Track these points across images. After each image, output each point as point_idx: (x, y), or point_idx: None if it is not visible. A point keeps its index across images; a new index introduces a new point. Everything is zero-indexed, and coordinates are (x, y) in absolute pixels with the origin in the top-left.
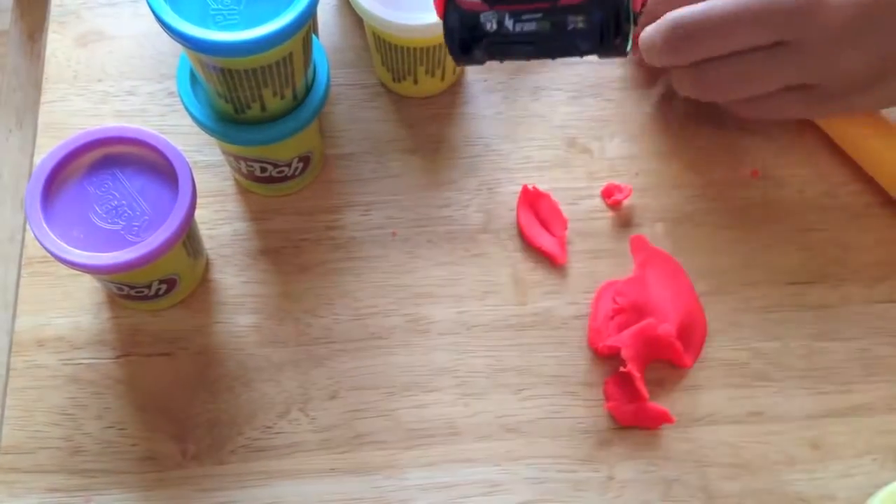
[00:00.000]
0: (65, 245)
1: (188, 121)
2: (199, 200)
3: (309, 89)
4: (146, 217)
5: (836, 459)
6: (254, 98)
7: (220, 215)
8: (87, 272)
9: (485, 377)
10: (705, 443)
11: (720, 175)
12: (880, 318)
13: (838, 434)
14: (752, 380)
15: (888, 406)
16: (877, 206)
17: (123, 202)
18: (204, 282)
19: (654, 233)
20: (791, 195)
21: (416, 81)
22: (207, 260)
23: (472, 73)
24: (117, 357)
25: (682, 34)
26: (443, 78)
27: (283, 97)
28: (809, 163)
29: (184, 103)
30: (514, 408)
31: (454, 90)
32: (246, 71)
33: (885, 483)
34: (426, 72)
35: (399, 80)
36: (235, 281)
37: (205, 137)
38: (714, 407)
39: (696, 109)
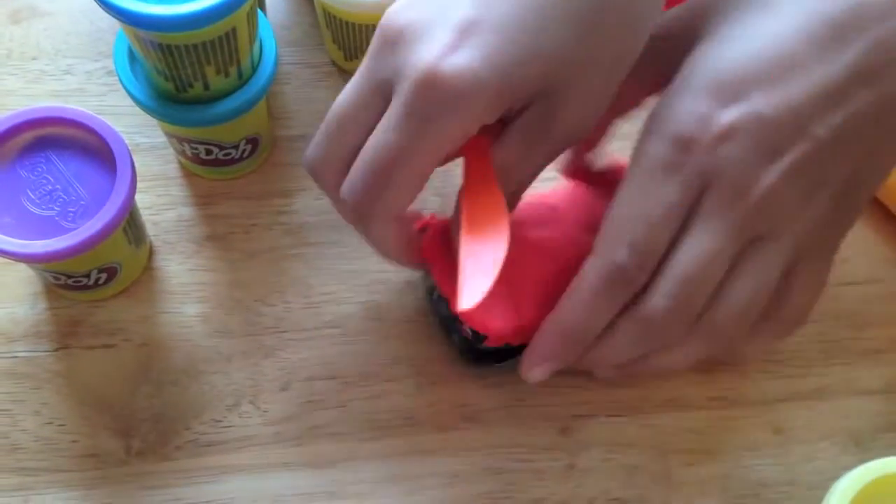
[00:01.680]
0: None
1: (128, 101)
2: (141, 185)
3: (255, 67)
4: (83, 202)
5: (798, 444)
6: (196, 76)
7: (163, 200)
8: (20, 261)
9: (444, 366)
10: (667, 429)
11: None
12: (837, 300)
13: (800, 418)
14: (713, 365)
15: (847, 389)
16: None
17: (58, 187)
18: (147, 270)
19: None
20: None
21: None
22: (151, 247)
23: None
24: (56, 350)
25: (570, 343)
26: None
27: (227, 75)
28: None
29: (122, 82)
30: (474, 396)
31: None
32: (186, 47)
33: (846, 467)
34: None
35: (351, 59)
36: (181, 269)
37: (146, 119)
38: (676, 392)
39: None
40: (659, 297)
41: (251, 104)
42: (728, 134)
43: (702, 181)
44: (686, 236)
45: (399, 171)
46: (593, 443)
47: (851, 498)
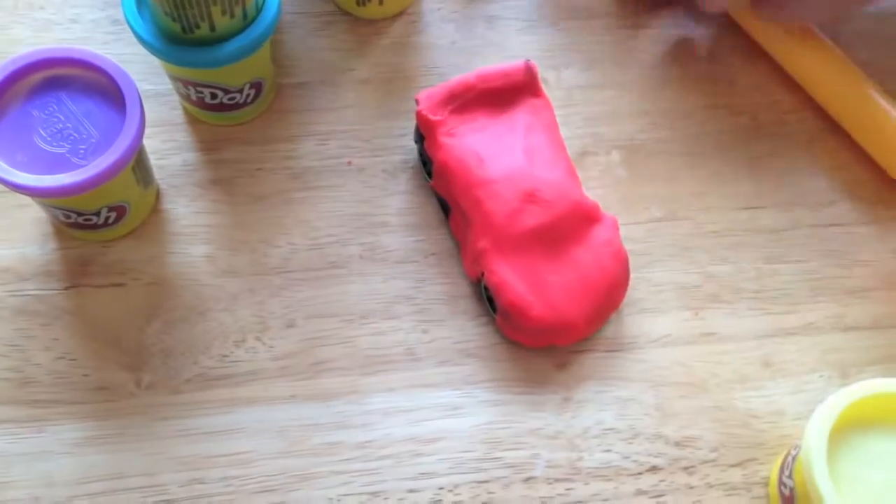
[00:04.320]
0: (8, 167)
1: (134, 48)
2: (147, 130)
3: (260, 9)
4: (93, 140)
5: (786, 377)
6: (202, 17)
7: (168, 145)
8: (33, 195)
9: (443, 303)
10: (659, 363)
11: (675, 104)
12: (827, 240)
13: (788, 352)
14: (704, 302)
15: (834, 325)
16: (826, 132)
17: (69, 125)
18: (155, 212)
19: (609, 160)
20: (744, 122)
21: (381, 2)
22: (158, 190)
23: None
24: (66, 288)
25: None
26: None
27: (232, 16)
28: (759, 91)
29: (129, 24)
30: (472, 333)
31: (409, 19)
32: None
33: None
34: None
35: (363, 4)
36: (187, 211)
37: (152, 65)
38: (668, 329)
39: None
40: None
41: (256, 45)
42: None
43: None
44: None
45: None
46: (588, 377)
47: (836, 417)
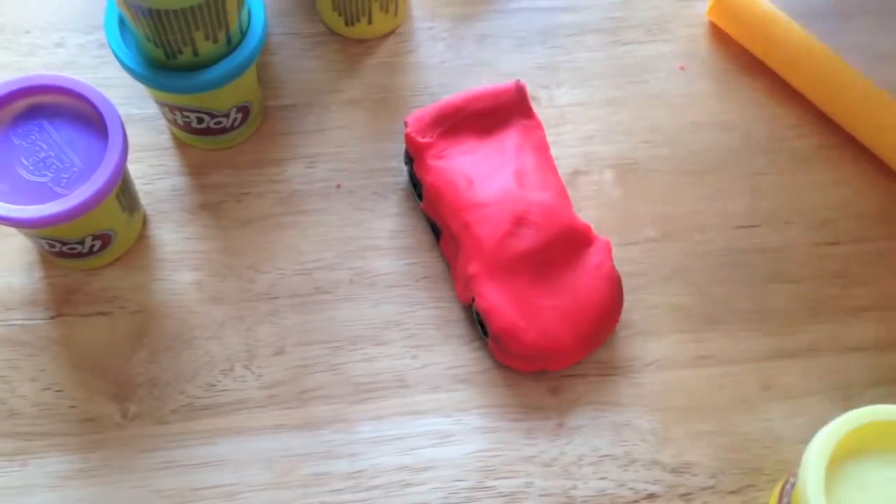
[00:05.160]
0: None
1: (121, 73)
2: (134, 155)
3: (244, 33)
4: (75, 169)
5: (785, 400)
6: (185, 42)
7: (156, 170)
8: (15, 226)
9: (434, 328)
10: (655, 387)
11: (669, 121)
12: (824, 258)
13: (787, 375)
14: (700, 324)
15: (833, 346)
16: (823, 148)
17: (51, 154)
18: (141, 238)
19: (602, 179)
20: (739, 139)
21: (370, 21)
22: (145, 216)
23: (418, 18)
24: (52, 317)
25: None
26: (396, 13)
27: (216, 41)
28: (757, 106)
29: (113, 50)
30: (463, 359)
31: (399, 38)
32: (175, 12)
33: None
34: (381, 8)
35: (352, 24)
36: (175, 237)
37: (139, 90)
38: (663, 352)
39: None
40: None
41: (241, 70)
42: None
43: None
44: None
45: None
46: (582, 402)
47: (833, 445)
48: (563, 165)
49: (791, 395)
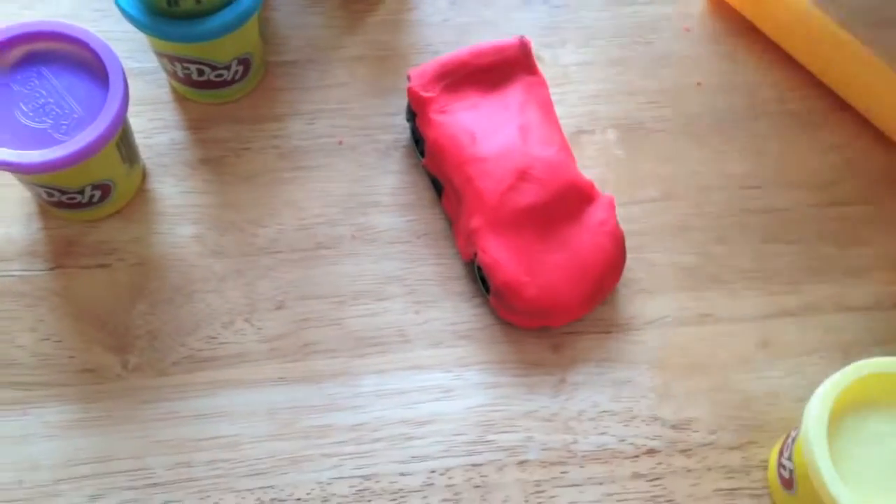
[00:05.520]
0: None
1: (122, 26)
2: (133, 109)
3: None
4: (75, 115)
5: (785, 358)
6: None
7: (155, 124)
8: (15, 172)
9: (435, 284)
10: (656, 345)
11: (673, 83)
12: (827, 220)
13: (788, 333)
14: (702, 282)
15: (834, 305)
16: (828, 111)
17: (51, 100)
18: (141, 192)
19: (605, 139)
20: (742, 101)
21: None
22: (144, 169)
23: None
24: (51, 269)
25: None
26: None
27: None
28: (761, 69)
29: None
30: (465, 315)
31: None
32: None
33: None
34: None
35: None
36: (175, 191)
37: (139, 43)
38: (665, 310)
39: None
40: None
41: (243, 19)
42: None
43: None
44: None
45: None
46: (584, 358)
47: (835, 398)
48: (567, 125)
49: (791, 353)
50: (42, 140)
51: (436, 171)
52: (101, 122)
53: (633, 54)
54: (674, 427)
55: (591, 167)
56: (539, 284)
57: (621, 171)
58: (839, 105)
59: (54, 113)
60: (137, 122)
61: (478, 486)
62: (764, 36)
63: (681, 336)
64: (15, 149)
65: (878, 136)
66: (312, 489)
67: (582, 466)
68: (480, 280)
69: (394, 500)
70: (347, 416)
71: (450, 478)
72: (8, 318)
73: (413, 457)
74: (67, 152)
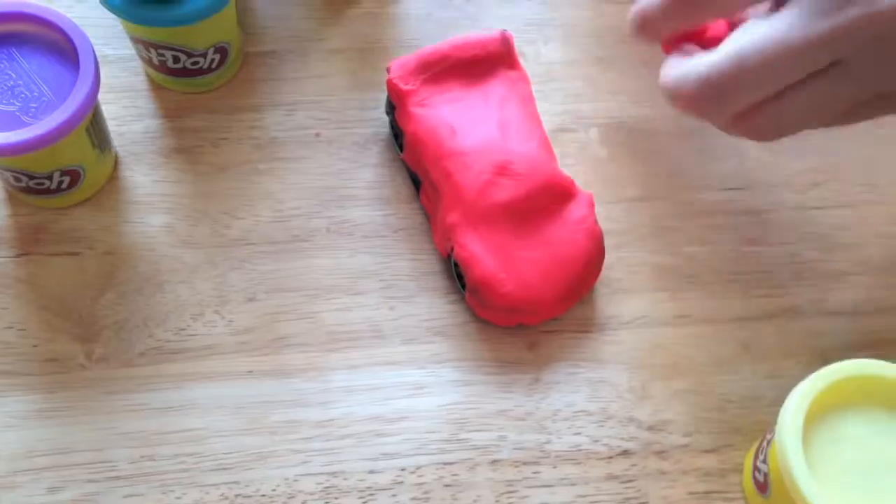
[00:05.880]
0: None
1: (97, 11)
2: (107, 96)
3: None
4: (45, 99)
5: (763, 361)
6: None
7: (129, 112)
8: None
9: (411, 280)
10: (633, 345)
11: (657, 82)
12: (810, 223)
13: (767, 336)
14: (681, 283)
15: (814, 310)
16: None
17: (20, 83)
18: (112, 180)
19: (587, 137)
20: None
21: None
22: (116, 156)
23: None
24: (17, 256)
25: (714, 94)
26: None
27: None
28: None
29: None
30: (440, 311)
31: None
32: None
33: None
34: None
35: None
36: (147, 180)
37: (114, 30)
38: (643, 310)
39: None
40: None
41: (219, 4)
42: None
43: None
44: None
45: None
46: (559, 358)
47: (811, 400)
48: (549, 122)
49: (770, 356)
50: (9, 123)
51: (414, 164)
52: (70, 104)
53: (617, 53)
54: (650, 428)
55: (572, 165)
56: (516, 280)
57: (602, 169)
58: None
59: (23, 95)
60: (111, 109)
61: (448, 485)
62: None
63: (659, 337)
64: None
65: (863, 139)
66: (278, 485)
67: (555, 467)
68: (457, 277)
69: (362, 498)
70: (317, 411)
71: (420, 476)
72: None
73: (383, 454)
74: (34, 134)
